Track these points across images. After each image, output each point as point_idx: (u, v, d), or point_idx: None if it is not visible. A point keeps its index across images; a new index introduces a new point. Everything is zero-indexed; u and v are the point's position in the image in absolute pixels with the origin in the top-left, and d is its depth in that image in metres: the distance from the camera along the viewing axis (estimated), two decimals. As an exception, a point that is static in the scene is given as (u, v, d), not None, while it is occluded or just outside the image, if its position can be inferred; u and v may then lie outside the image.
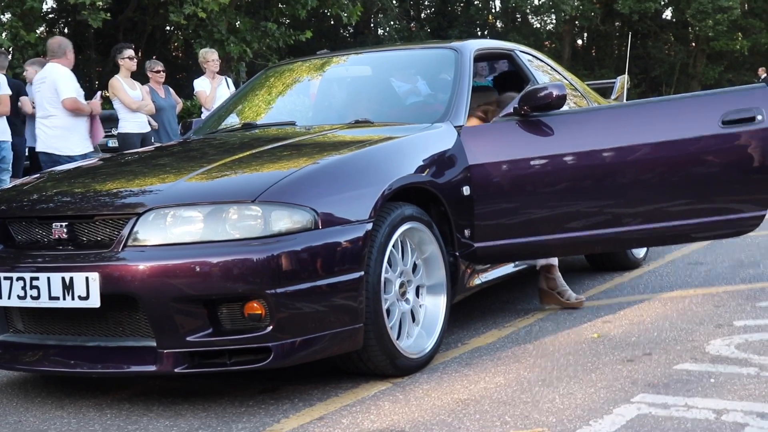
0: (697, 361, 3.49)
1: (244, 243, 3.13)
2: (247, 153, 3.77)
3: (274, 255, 3.11)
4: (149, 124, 8.55)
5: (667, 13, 33.98)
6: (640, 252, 5.66)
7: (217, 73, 9.16)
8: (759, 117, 4.10)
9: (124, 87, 8.31)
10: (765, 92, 4.17)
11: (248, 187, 3.28)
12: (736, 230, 4.31)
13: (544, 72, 5.21)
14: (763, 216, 4.23)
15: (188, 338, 3.12)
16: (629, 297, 4.78)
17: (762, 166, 4.15)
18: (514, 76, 5.09)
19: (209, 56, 9.09)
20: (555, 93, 4.06)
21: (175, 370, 3.14)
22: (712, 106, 4.15)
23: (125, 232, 3.21)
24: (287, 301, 3.13)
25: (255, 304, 3.12)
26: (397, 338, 3.53)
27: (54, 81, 7.17)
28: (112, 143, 11.55)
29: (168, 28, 22.53)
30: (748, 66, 32.98)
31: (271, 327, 3.11)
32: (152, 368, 3.16)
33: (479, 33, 30.43)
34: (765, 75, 24.84)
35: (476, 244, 4.03)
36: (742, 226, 4.26)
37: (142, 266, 3.12)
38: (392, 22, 28.85)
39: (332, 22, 25.97)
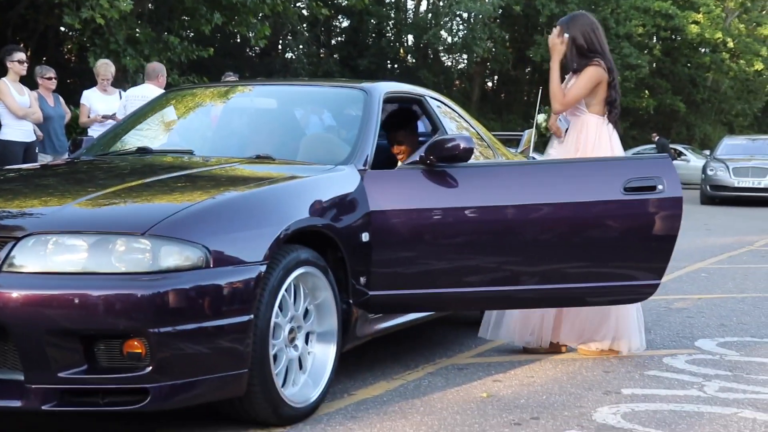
0: (584, 428, 3.60)
1: (130, 277, 3.10)
2: (140, 181, 3.74)
3: (160, 292, 3.09)
4: (35, 133, 8.34)
5: (578, 65, 35.09)
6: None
7: (111, 86, 9.02)
8: (660, 186, 4.30)
9: (11, 91, 8.11)
10: (667, 163, 4.38)
11: (138, 219, 3.26)
12: (631, 297, 4.49)
13: (452, 120, 5.33)
14: (658, 284, 4.42)
15: (60, 374, 3.06)
16: (521, 356, 4.90)
17: (660, 235, 4.34)
18: (405, 114, 5.14)
19: (102, 69, 8.93)
20: (462, 145, 4.17)
21: (43, 407, 3.07)
22: (616, 172, 4.33)
23: (1, 256, 3.13)
24: (170, 341, 3.10)
25: (135, 343, 3.09)
26: (282, 386, 3.53)
27: None
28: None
29: (63, 29, 22.05)
30: (652, 125, 34.34)
31: (151, 368, 3.08)
32: (17, 404, 3.08)
33: (390, 66, 30.79)
34: (657, 138, 26.15)
35: (371, 293, 4.08)
36: (638, 293, 4.44)
37: (16, 294, 3.06)
38: (301, 46, 28.95)
39: (238, 41, 25.87)
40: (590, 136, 4.89)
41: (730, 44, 33.19)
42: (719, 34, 32.19)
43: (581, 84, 4.89)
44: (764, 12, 36.31)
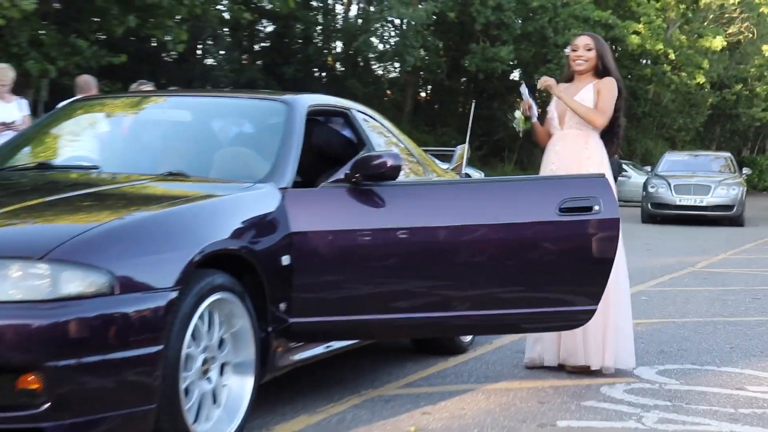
0: (516, 464, 3.62)
1: (26, 306, 3.03)
2: (40, 200, 3.67)
3: (60, 322, 3.03)
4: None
5: (515, 75, 35.59)
6: (466, 335, 5.83)
7: (12, 93, 8.81)
8: (596, 207, 4.36)
9: None
10: (604, 183, 4.45)
11: (37, 242, 3.19)
12: (566, 323, 4.54)
13: (380, 134, 5.34)
14: (594, 310, 4.47)
15: (-54, 413, 2.97)
16: (452, 386, 4.91)
17: (596, 258, 4.40)
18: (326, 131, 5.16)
19: (2, 74, 8.72)
20: (390, 162, 4.17)
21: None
22: (551, 192, 4.38)
23: None
24: (70, 376, 3.05)
25: (30, 378, 3.02)
26: (194, 422, 3.49)
27: None
28: None
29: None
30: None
31: (48, 405, 3.01)
32: None
33: (317, 74, 30.80)
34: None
35: (292, 320, 4.05)
36: (573, 320, 4.50)
37: None
38: (222, 52, 28.78)
39: (154, 45, 25.63)
40: (597, 152, 5.21)
41: (672, 56, 34.01)
42: (660, 46, 32.98)
43: (612, 94, 5.22)
44: (706, 23, 37.29)
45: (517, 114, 5.28)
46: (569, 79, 5.37)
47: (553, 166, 5.21)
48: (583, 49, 5.26)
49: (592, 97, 5.23)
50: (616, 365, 5.14)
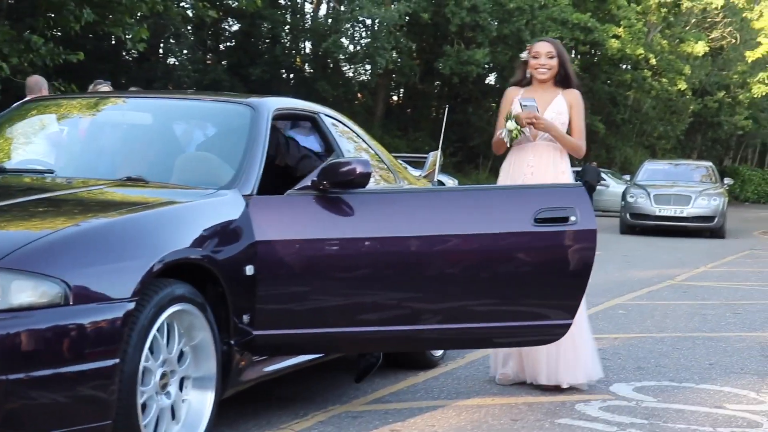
0: (488, 483, 3.63)
1: (-25, 317, 3.01)
2: (-10, 206, 3.64)
3: (10, 333, 3.03)
4: None
5: (491, 79, 35.76)
6: (437, 350, 5.84)
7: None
8: (572, 218, 4.39)
9: None
10: (580, 192, 4.48)
11: (-14, 249, 3.17)
12: (540, 338, 4.56)
13: (349, 140, 5.35)
14: (570, 324, 4.50)
15: None
16: (422, 402, 4.92)
17: (572, 270, 4.42)
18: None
19: None
20: (359, 170, 4.18)
21: None
22: (525, 202, 4.41)
23: None
24: (21, 390, 3.04)
25: (-21, 392, 2.99)
26: (152, 439, 3.48)
27: None
28: None
29: None
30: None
31: (-2, 420, 2.98)
32: None
33: (285, 76, 30.80)
34: (586, 164, 26.54)
35: (256, 332, 4.05)
36: (548, 335, 4.52)
37: None
38: (185, 51, 28.72)
39: (113, 43, 25.52)
40: (568, 165, 5.30)
41: (653, 61, 34.34)
42: (641, 50, 33.30)
43: (583, 110, 5.35)
44: (688, 27, 37.67)
45: (510, 125, 5.23)
46: (526, 83, 5.39)
47: (526, 178, 5.22)
48: (545, 57, 5.27)
49: (566, 110, 5.28)
50: (587, 380, 5.20)
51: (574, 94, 5.32)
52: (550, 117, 5.24)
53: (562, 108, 5.28)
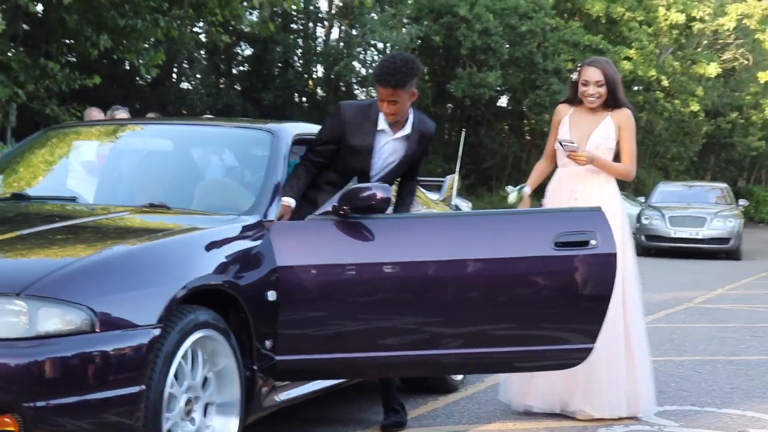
0: None
1: (3, 344, 3.05)
2: (15, 233, 3.67)
3: (38, 360, 3.05)
4: None
5: (503, 101, 35.80)
6: (457, 374, 5.84)
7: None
8: (593, 242, 4.39)
9: None
10: (600, 216, 4.48)
11: (13, 277, 3.21)
12: (561, 362, 4.55)
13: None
14: (591, 349, 4.49)
15: None
16: (443, 427, 4.92)
17: (592, 295, 4.42)
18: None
19: None
20: (379, 195, 4.20)
21: None
22: (546, 226, 4.41)
23: None
24: (48, 417, 3.06)
25: (7, 419, 3.03)
26: (177, 465, 3.49)
27: None
28: None
29: None
30: (583, 168, 35.03)
31: (25, 447, 3.00)
32: None
33: (297, 99, 30.90)
34: None
35: (278, 357, 4.06)
36: (569, 359, 4.51)
37: None
38: (198, 76, 28.86)
39: (127, 68, 25.67)
40: (617, 189, 5.30)
41: (665, 83, 34.30)
42: (653, 72, 33.26)
43: (634, 133, 5.33)
44: (699, 49, 37.66)
45: (511, 198, 5.34)
46: (572, 101, 5.38)
47: (570, 203, 5.16)
48: (594, 86, 5.23)
49: (614, 133, 5.27)
50: (641, 413, 5.18)
51: (624, 115, 5.30)
52: (595, 143, 5.24)
53: (610, 132, 5.27)
